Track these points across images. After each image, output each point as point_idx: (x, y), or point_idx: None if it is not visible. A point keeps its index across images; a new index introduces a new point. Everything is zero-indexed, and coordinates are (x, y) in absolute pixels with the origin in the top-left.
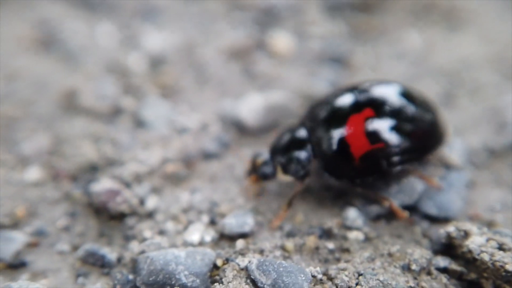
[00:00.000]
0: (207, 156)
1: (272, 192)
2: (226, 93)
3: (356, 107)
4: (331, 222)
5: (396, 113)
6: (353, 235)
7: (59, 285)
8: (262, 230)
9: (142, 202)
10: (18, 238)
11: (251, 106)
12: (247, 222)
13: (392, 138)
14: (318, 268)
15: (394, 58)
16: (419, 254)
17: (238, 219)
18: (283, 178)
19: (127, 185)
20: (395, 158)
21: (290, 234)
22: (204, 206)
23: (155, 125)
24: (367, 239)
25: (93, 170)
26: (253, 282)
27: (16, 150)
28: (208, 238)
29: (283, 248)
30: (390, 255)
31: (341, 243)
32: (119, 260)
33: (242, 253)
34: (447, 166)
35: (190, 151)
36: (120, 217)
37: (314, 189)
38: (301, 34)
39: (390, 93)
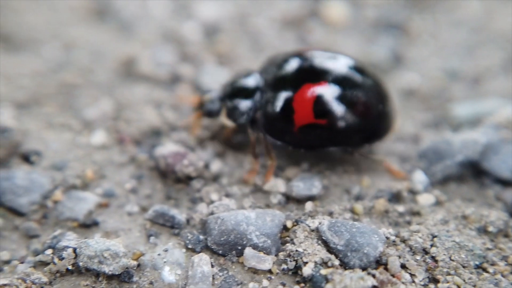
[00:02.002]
0: None
1: (336, 157)
2: None
3: (314, 75)
4: (400, 185)
5: (349, 95)
6: (423, 198)
7: (131, 244)
8: (329, 193)
9: (206, 165)
10: (90, 199)
11: None
12: (315, 185)
13: (337, 118)
14: (390, 230)
15: (453, 25)
16: (496, 216)
17: (305, 182)
18: (225, 121)
19: (191, 149)
20: (333, 138)
21: (358, 197)
22: None
23: None
24: (438, 202)
25: (156, 134)
26: (325, 243)
27: (81, 116)
28: (275, 200)
29: (352, 210)
30: (464, 217)
31: (410, 206)
32: (188, 221)
33: (311, 215)
34: None
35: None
36: (186, 180)
37: (379, 154)
38: (355, 2)
39: (351, 72)
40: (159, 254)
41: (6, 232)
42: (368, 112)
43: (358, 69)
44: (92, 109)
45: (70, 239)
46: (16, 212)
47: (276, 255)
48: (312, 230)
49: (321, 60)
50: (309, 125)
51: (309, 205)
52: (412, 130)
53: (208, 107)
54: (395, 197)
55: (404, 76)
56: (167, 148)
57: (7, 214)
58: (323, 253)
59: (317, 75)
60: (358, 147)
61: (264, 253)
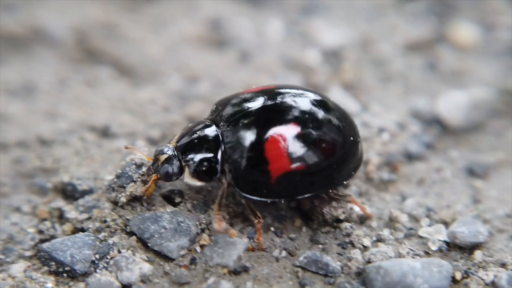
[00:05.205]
0: (410, 157)
1: (495, 198)
2: (412, 90)
3: (280, 118)
4: None
5: (320, 132)
6: None
7: None
8: (494, 240)
9: (352, 207)
10: (239, 242)
11: (452, 104)
12: (480, 231)
13: (314, 160)
14: None
15: None
16: None
17: (469, 228)
18: (190, 181)
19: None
20: (313, 183)
21: None
22: (419, 212)
23: None
24: None
25: None
26: None
27: None
28: (434, 247)
29: None
30: None
31: None
32: (342, 268)
33: (481, 266)
34: None
35: (390, 152)
36: (332, 223)
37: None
38: (485, 25)
39: (315, 107)
40: None
41: (157, 279)
42: (343, 146)
43: (319, 102)
44: None
45: None
46: (165, 257)
47: None
48: (487, 284)
49: (282, 99)
50: (287, 173)
51: (478, 255)
52: None
53: (166, 169)
54: None
55: None
56: None
57: (157, 259)
58: None
59: (284, 116)
60: (339, 185)
61: None
